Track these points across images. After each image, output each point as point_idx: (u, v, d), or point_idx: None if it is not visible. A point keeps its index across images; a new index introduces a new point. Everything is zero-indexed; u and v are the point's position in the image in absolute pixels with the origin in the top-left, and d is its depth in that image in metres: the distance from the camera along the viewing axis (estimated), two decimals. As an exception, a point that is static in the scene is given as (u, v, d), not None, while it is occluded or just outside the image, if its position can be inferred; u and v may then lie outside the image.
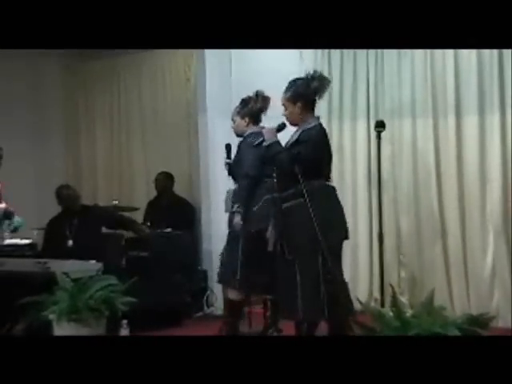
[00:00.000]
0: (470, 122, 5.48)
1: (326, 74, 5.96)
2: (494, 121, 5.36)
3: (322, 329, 4.07)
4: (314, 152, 4.04)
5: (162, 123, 7.18)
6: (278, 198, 4.17)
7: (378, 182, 4.79)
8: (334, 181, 6.02)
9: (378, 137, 4.69)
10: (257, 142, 4.30)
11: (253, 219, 4.62)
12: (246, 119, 4.81)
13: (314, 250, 3.92)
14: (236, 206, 4.69)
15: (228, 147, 4.94)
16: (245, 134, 4.82)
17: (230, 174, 4.93)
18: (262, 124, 4.78)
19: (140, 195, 7.28)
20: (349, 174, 6.13)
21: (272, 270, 4.45)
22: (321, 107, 6.05)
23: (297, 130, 4.21)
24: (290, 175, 4.02)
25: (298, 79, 4.23)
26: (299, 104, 4.16)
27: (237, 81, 6.33)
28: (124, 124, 7.62)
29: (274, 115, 4.56)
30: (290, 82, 4.23)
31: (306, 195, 3.92)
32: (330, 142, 5.91)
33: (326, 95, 5.93)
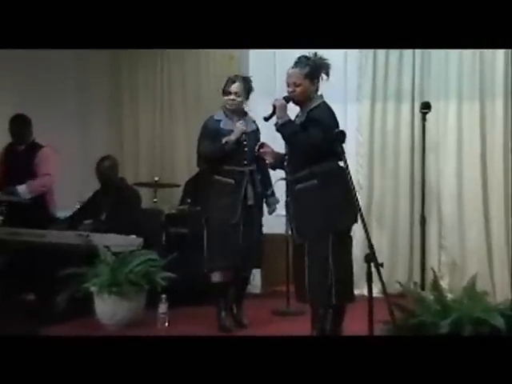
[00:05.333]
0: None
1: (371, 53, 5.98)
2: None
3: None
4: (326, 131, 3.76)
5: (204, 100, 7.17)
6: (290, 179, 4.01)
7: (421, 165, 4.72)
8: (376, 162, 6.05)
9: (424, 118, 4.61)
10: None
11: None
12: None
13: (324, 234, 3.82)
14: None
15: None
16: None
17: None
18: None
19: (181, 173, 7.31)
20: (391, 156, 6.06)
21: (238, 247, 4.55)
22: (364, 88, 6.06)
23: (302, 110, 3.99)
24: (303, 156, 3.89)
25: (308, 57, 3.96)
26: (316, 81, 3.94)
27: (280, 59, 6.29)
28: (166, 101, 7.63)
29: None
30: (302, 58, 3.96)
31: (318, 177, 3.83)
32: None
33: (370, 76, 6.01)
